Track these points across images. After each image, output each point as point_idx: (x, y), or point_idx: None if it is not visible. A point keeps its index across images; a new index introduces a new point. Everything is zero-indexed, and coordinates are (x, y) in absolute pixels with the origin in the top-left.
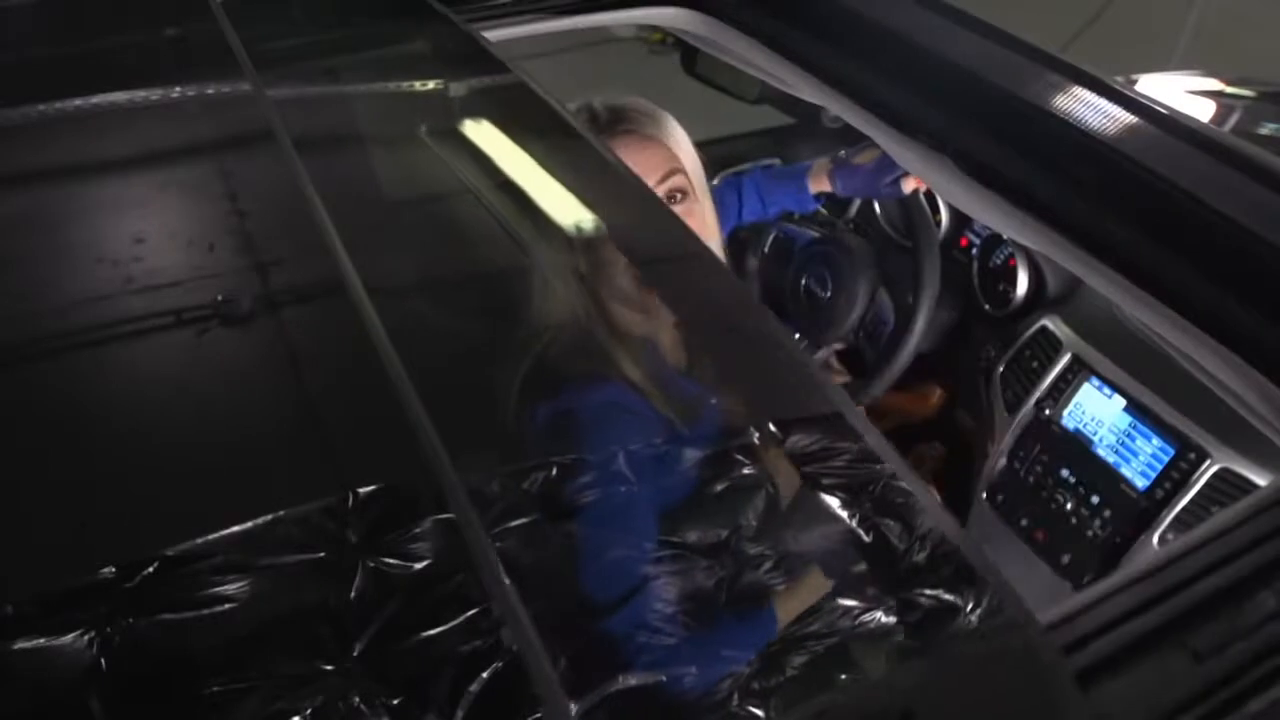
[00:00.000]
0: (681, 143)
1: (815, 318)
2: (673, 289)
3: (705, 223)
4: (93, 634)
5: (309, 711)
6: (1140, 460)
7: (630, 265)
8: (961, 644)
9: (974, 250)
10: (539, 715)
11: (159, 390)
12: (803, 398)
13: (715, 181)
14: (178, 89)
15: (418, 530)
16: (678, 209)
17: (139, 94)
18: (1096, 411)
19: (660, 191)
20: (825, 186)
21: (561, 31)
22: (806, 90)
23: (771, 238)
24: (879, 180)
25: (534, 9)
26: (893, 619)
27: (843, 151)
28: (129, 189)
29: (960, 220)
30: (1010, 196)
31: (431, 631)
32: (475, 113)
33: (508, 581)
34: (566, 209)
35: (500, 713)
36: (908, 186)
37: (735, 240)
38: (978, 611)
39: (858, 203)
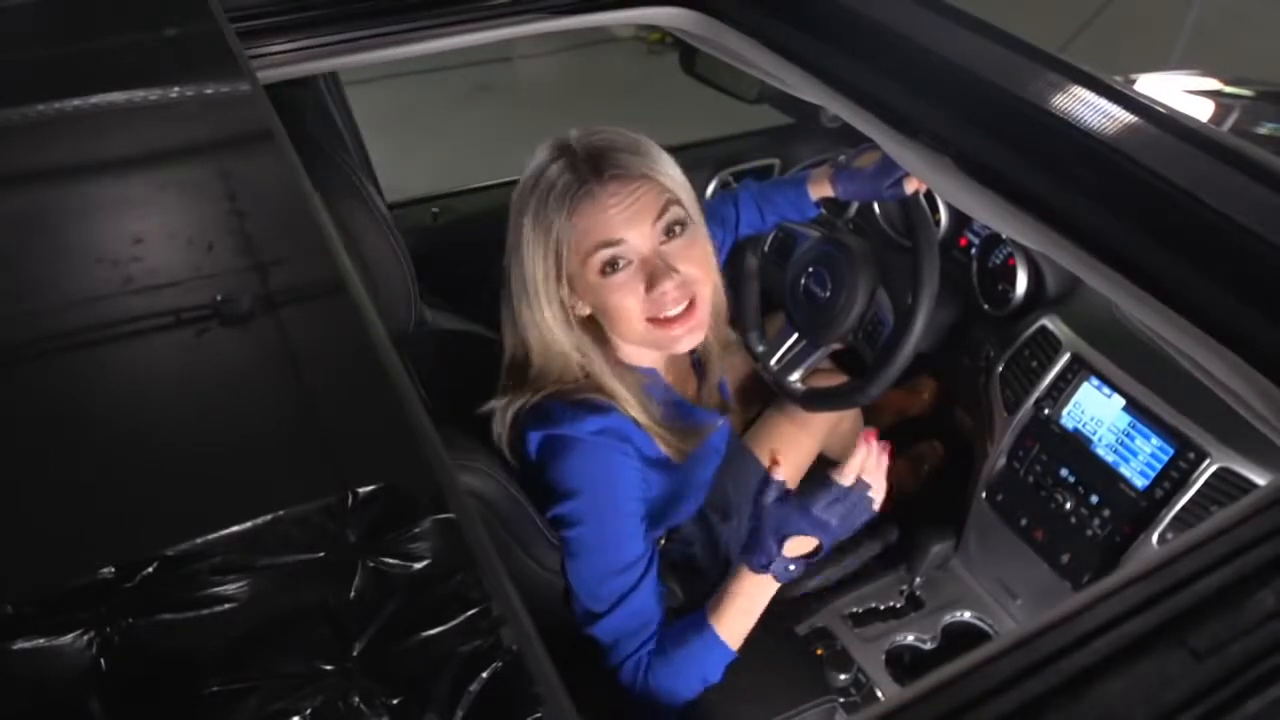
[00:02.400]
0: (668, 169)
1: (815, 317)
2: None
3: (709, 247)
4: (93, 634)
5: (309, 711)
6: (1139, 460)
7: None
8: None
9: (973, 250)
10: (539, 715)
11: (159, 390)
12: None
13: (710, 191)
14: (177, 89)
15: (418, 530)
16: (680, 241)
17: (138, 94)
18: (1096, 411)
19: (660, 227)
20: (827, 192)
21: (561, 31)
22: (806, 90)
23: (771, 237)
24: (881, 183)
25: (534, 9)
26: None
27: (842, 156)
28: (128, 189)
29: (959, 220)
30: (1010, 196)
31: (431, 631)
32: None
33: (508, 582)
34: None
35: (500, 713)
36: (909, 188)
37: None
38: None
39: (856, 203)
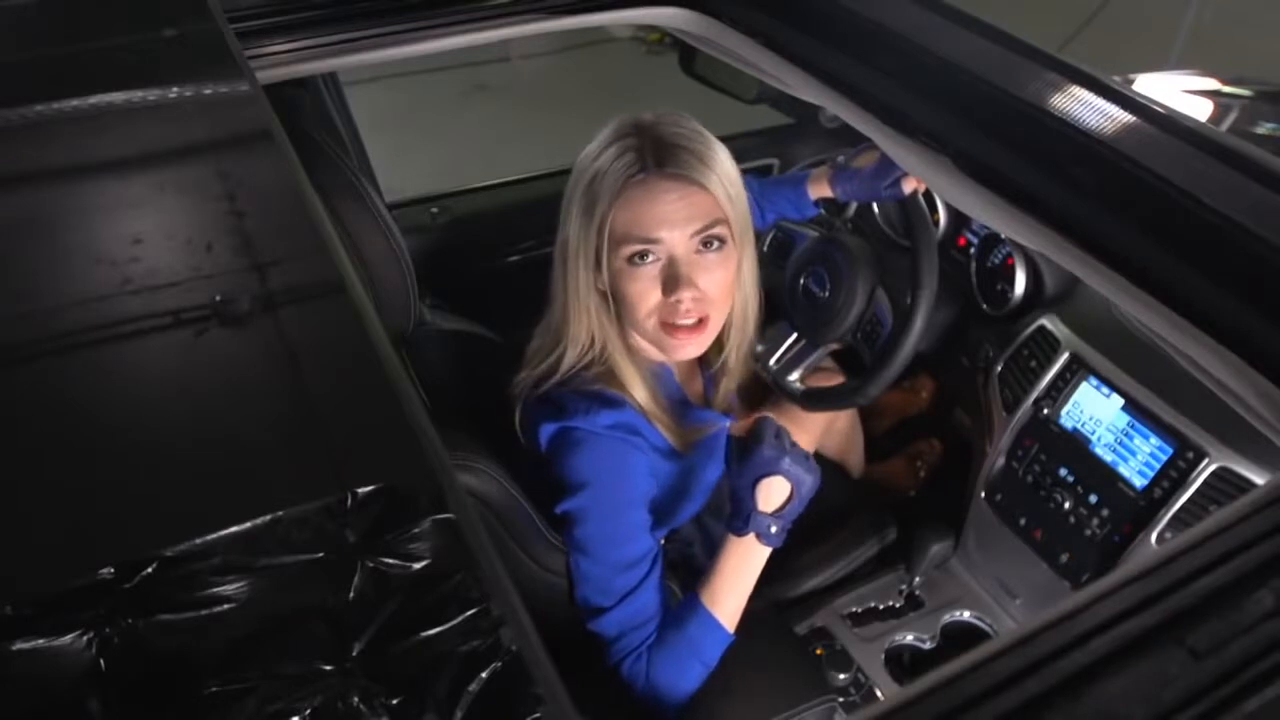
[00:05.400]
0: (729, 184)
1: (814, 317)
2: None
3: (742, 272)
4: (92, 634)
5: (309, 711)
6: (1138, 459)
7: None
8: None
9: (972, 250)
10: (539, 715)
11: (158, 390)
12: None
13: None
14: (177, 89)
15: (417, 530)
16: (713, 256)
17: (138, 94)
18: (1094, 410)
19: (697, 239)
20: (825, 192)
21: (561, 31)
22: (805, 90)
23: (770, 237)
24: (879, 183)
25: (534, 9)
26: None
27: (841, 156)
28: (127, 189)
29: (958, 220)
30: (1009, 196)
31: (431, 631)
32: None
33: (508, 581)
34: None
35: (500, 713)
36: (907, 188)
37: None
38: None
39: (855, 203)
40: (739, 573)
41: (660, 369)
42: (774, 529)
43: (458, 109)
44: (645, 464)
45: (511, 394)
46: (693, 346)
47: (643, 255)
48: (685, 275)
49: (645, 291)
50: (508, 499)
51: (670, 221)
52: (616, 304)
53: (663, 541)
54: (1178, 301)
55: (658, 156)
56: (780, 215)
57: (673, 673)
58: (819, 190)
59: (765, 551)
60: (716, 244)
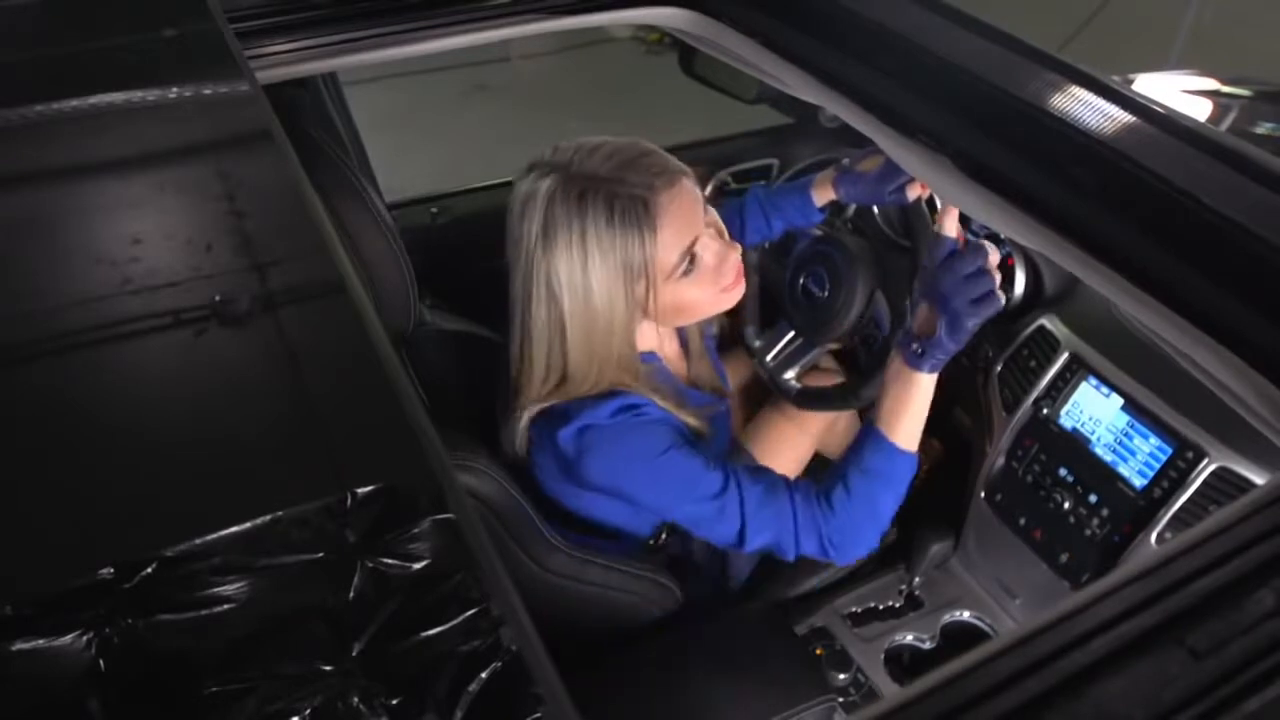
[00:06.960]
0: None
1: (813, 317)
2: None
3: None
4: (92, 634)
5: (308, 711)
6: (1138, 459)
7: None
8: None
9: None
10: (539, 715)
11: (157, 390)
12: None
13: (707, 191)
14: (177, 89)
15: (417, 530)
16: (711, 213)
17: (138, 94)
18: (1094, 410)
19: (706, 230)
20: (830, 196)
21: (561, 31)
22: (805, 90)
23: None
24: (883, 188)
25: (534, 9)
26: None
27: (845, 159)
28: (127, 189)
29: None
30: (1008, 196)
31: (431, 631)
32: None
33: (508, 581)
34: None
35: (500, 713)
36: (912, 194)
37: None
38: None
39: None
40: (898, 398)
41: (655, 368)
42: (917, 348)
43: (458, 109)
44: (662, 418)
45: (510, 415)
46: (741, 286)
47: (691, 261)
48: (722, 244)
49: (705, 282)
50: (508, 499)
51: (695, 218)
52: (677, 313)
53: (663, 536)
54: (1178, 301)
55: (643, 181)
56: (789, 224)
57: (864, 517)
58: (823, 195)
59: (918, 377)
60: (714, 227)
